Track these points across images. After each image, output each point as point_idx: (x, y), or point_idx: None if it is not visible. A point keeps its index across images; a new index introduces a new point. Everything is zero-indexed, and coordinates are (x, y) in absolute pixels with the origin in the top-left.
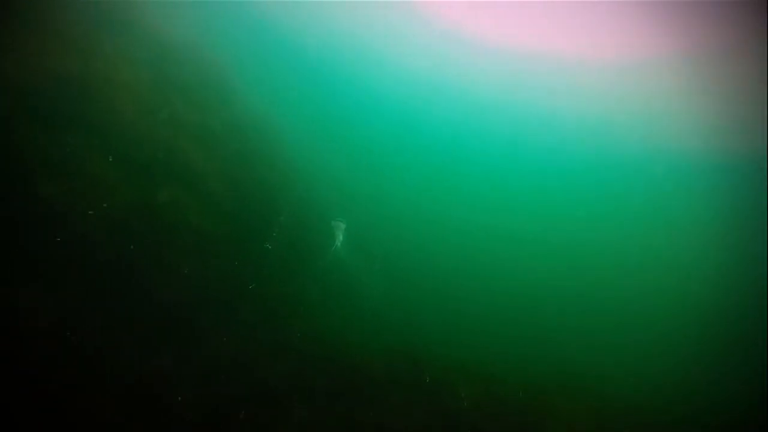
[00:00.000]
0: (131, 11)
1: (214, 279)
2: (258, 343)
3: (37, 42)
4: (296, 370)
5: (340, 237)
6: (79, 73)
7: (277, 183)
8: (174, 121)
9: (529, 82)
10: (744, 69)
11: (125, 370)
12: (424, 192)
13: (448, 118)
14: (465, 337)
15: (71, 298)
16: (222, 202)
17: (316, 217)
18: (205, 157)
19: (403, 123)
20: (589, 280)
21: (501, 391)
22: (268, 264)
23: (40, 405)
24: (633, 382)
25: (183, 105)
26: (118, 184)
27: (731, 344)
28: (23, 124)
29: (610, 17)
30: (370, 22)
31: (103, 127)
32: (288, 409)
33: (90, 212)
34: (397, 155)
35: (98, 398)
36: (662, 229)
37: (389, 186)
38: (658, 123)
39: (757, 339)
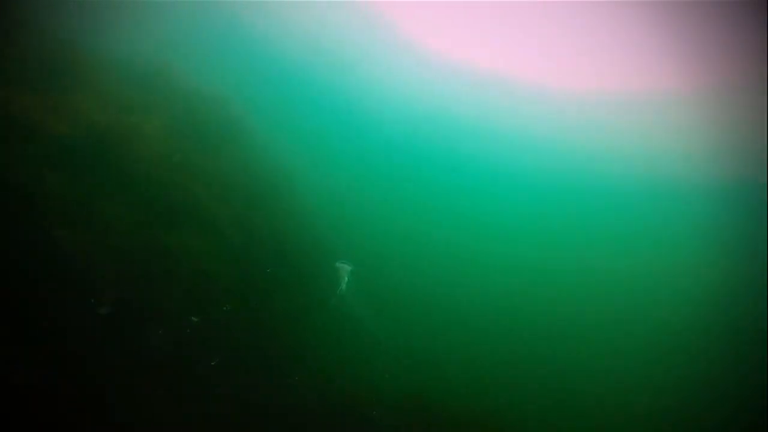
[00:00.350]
0: (149, 62)
1: (221, 326)
2: (260, 394)
3: (68, 94)
4: (300, 424)
5: (345, 279)
6: (100, 122)
7: (289, 227)
8: (187, 166)
9: (530, 112)
10: (744, 96)
11: (124, 415)
12: (437, 235)
13: (462, 157)
14: (479, 387)
15: (77, 339)
16: (233, 247)
17: (327, 262)
18: (217, 202)
19: (419, 165)
20: (595, 309)
21: None
22: (275, 310)
23: None
24: (634, 395)
25: (196, 151)
26: (130, 228)
27: (729, 367)
28: (45, 168)
29: (612, 52)
30: (385, 67)
31: (119, 173)
32: None
33: (100, 256)
34: (413, 198)
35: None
36: (663, 251)
37: (402, 229)
38: (657, 148)
39: (757, 359)
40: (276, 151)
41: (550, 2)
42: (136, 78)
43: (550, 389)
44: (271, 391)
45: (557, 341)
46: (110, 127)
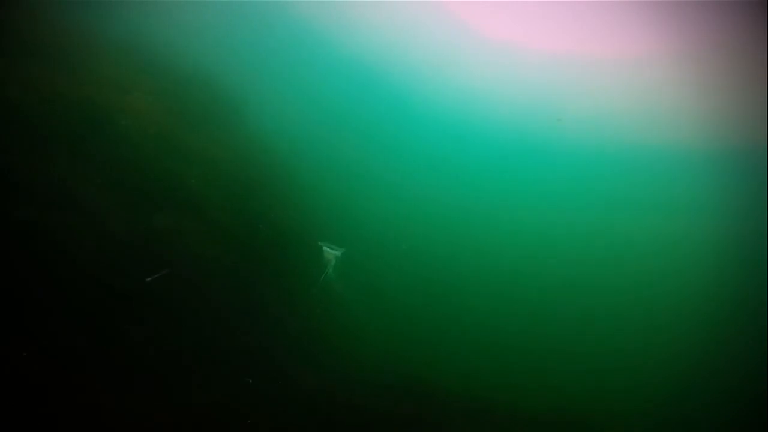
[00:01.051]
0: (141, 40)
1: (211, 316)
2: (246, 386)
3: (45, 68)
4: (288, 415)
5: (332, 264)
6: (87, 99)
7: (280, 211)
8: (180, 149)
9: (532, 78)
10: (744, 62)
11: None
12: (433, 219)
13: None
14: (469, 371)
15: (61, 327)
16: (224, 231)
17: (318, 247)
18: (209, 186)
19: (413, 144)
20: (593, 274)
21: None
22: (263, 294)
23: None
24: (633, 382)
25: (190, 133)
26: (117, 209)
27: (731, 337)
28: (24, 144)
29: (613, 16)
30: (379, 48)
31: (107, 153)
32: None
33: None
34: (408, 183)
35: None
36: (664, 221)
37: (397, 216)
38: (659, 117)
39: (758, 332)
40: (271, 134)
41: None
42: (128, 55)
43: (545, 373)
44: (258, 377)
45: (553, 318)
46: (96, 106)
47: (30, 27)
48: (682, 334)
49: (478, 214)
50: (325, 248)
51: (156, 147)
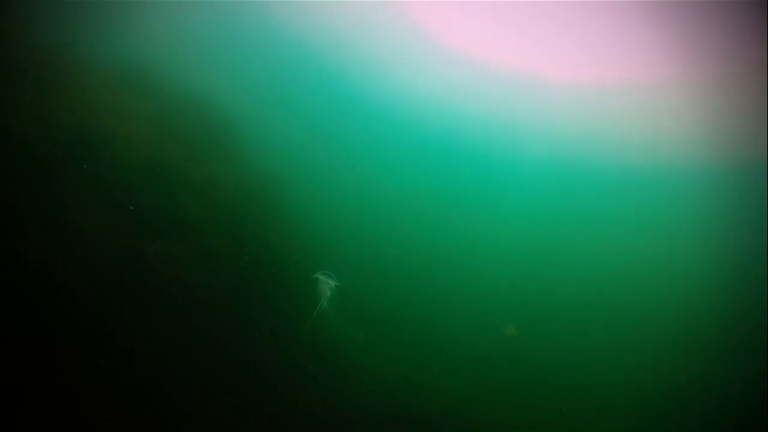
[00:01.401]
0: (138, 65)
1: (200, 337)
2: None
3: (40, 93)
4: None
5: (327, 295)
6: (81, 125)
7: (276, 237)
8: (175, 174)
9: (529, 100)
10: (744, 74)
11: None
12: (430, 248)
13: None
14: (476, 402)
15: (51, 354)
16: (216, 256)
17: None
18: (204, 211)
19: (414, 177)
20: (594, 289)
21: None
22: (257, 321)
23: None
24: (634, 382)
25: (186, 159)
26: (107, 235)
27: (730, 348)
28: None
29: (612, 35)
30: (379, 77)
31: (101, 178)
32: None
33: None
34: (406, 211)
35: None
36: (663, 235)
37: (394, 245)
38: (657, 134)
39: (757, 342)
40: (267, 158)
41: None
42: (121, 79)
43: (550, 389)
44: (253, 404)
45: (556, 335)
46: (90, 130)
47: (24, 52)
48: (683, 349)
49: (468, 232)
50: (319, 276)
51: (150, 171)
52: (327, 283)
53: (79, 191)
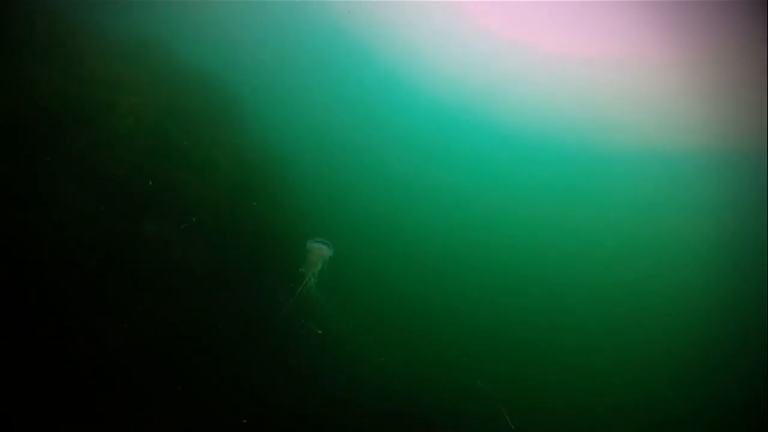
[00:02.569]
0: (135, 36)
1: (195, 320)
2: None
3: (39, 65)
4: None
5: (318, 266)
6: (74, 96)
7: (277, 222)
8: (172, 150)
9: (530, 78)
10: (743, 63)
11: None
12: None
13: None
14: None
15: (40, 338)
16: (212, 238)
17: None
18: (201, 188)
19: (422, 147)
20: (590, 274)
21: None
22: (252, 305)
23: None
24: (628, 377)
25: (183, 134)
26: (97, 214)
27: (731, 334)
28: (12, 143)
29: (612, 16)
30: (378, 55)
31: (98, 154)
32: None
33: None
34: (414, 190)
35: None
36: (661, 222)
37: (402, 219)
38: (657, 117)
39: (757, 330)
40: (271, 139)
41: None
42: (118, 49)
43: (547, 370)
44: (247, 389)
45: (552, 317)
46: (80, 103)
47: (23, 22)
48: (683, 332)
49: (478, 210)
50: (309, 243)
51: (150, 147)
52: (320, 252)
53: (76, 167)
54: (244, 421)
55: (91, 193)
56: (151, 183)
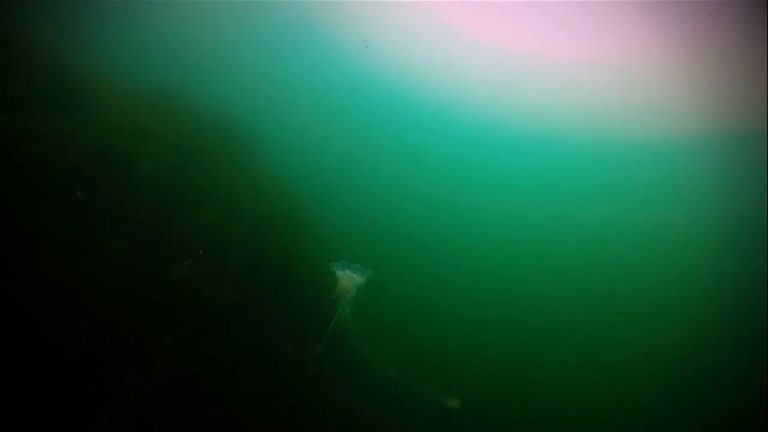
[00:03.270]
0: (153, 79)
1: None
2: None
3: (55, 117)
4: None
5: (353, 293)
6: (96, 146)
7: (300, 253)
8: (193, 190)
9: (524, 77)
10: (743, 52)
11: None
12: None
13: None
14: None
15: (75, 382)
16: (240, 274)
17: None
18: (224, 227)
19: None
20: (591, 266)
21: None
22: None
23: None
24: (632, 374)
25: (201, 173)
26: (131, 257)
27: (731, 326)
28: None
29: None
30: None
31: (119, 197)
32: None
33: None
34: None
35: None
36: (662, 211)
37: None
38: (656, 107)
39: (758, 320)
40: (289, 174)
41: None
42: (139, 98)
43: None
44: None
45: (548, 311)
46: (107, 151)
47: (35, 74)
48: (682, 324)
49: (474, 208)
50: (339, 273)
51: (171, 190)
52: (350, 278)
53: (99, 211)
54: None
55: (119, 236)
56: (176, 222)
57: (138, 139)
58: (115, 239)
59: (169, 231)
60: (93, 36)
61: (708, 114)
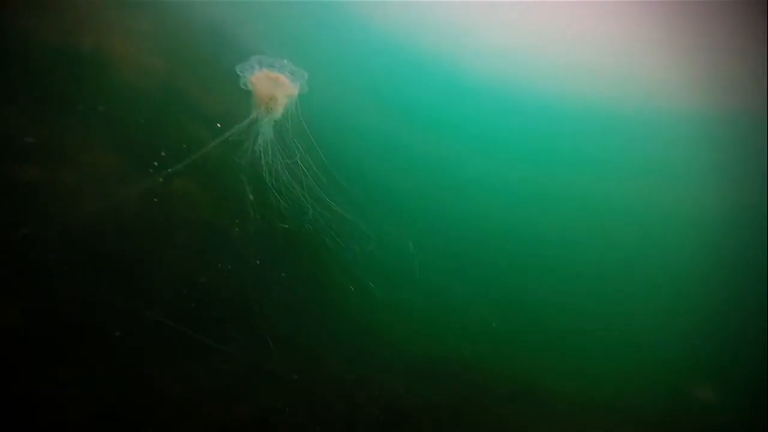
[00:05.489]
0: None
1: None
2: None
3: (49, 18)
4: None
5: (280, 105)
6: (95, 50)
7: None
8: (190, 106)
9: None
10: (742, 20)
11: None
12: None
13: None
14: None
15: (63, 298)
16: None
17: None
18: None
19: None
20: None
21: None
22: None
23: None
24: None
25: (202, 90)
26: (125, 173)
27: (729, 306)
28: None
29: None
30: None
31: (115, 108)
32: None
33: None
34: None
35: None
36: (655, 188)
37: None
38: (651, 78)
39: (756, 302)
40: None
41: None
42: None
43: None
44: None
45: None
46: (104, 56)
47: None
48: (677, 305)
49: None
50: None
51: (163, 102)
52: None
53: (94, 123)
54: None
55: (107, 147)
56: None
57: (126, 40)
58: (98, 149)
59: (159, 143)
60: None
61: (706, 83)
